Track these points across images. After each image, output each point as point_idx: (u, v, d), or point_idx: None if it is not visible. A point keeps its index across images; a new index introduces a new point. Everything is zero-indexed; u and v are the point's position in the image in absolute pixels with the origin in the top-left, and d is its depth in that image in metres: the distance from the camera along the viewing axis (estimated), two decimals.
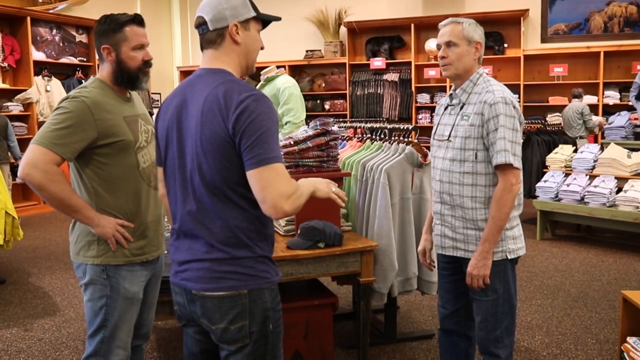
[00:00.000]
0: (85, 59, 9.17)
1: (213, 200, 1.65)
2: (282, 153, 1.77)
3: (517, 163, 2.18)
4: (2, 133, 6.56)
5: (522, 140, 2.24)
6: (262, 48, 1.80)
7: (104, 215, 2.09)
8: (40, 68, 8.44)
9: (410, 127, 3.15)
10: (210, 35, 1.70)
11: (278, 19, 1.81)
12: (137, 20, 2.12)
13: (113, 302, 2.11)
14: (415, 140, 3.19)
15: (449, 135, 2.30)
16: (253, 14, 1.72)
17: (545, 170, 6.49)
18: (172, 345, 3.56)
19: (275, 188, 1.55)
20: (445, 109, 2.40)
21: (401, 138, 3.26)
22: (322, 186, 1.82)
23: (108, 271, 2.11)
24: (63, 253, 5.87)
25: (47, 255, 5.79)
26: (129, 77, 2.12)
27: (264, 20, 1.79)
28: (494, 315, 2.28)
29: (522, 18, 8.79)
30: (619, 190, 5.68)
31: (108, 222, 2.07)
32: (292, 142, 2.88)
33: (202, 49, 1.75)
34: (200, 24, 1.71)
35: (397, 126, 3.32)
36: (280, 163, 1.58)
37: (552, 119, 8.50)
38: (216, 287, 1.65)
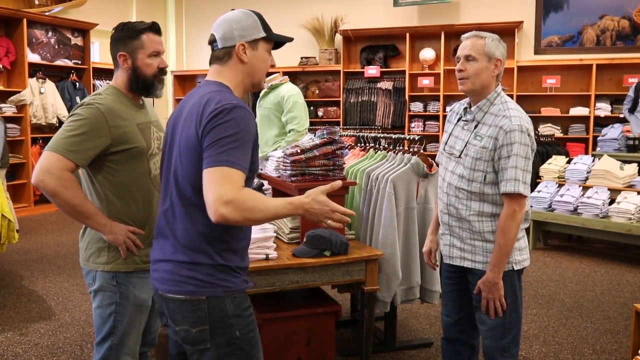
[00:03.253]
0: (80, 62, 9.09)
1: (182, 204, 1.69)
2: (252, 165, 1.67)
3: (526, 192, 2.18)
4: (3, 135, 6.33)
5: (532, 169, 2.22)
6: (272, 66, 1.83)
7: (115, 222, 2.09)
8: (35, 70, 8.36)
9: (417, 137, 3.17)
10: (219, 53, 1.76)
11: (290, 39, 1.82)
12: (154, 28, 2.15)
13: (122, 309, 2.11)
14: (421, 150, 3.20)
15: (461, 153, 2.29)
16: (262, 34, 1.76)
17: (538, 180, 6.54)
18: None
19: (214, 190, 1.51)
20: (458, 120, 2.39)
21: (406, 148, 3.28)
22: (316, 212, 1.63)
23: (118, 278, 2.11)
24: (55, 256, 5.82)
25: (40, 258, 5.73)
26: (145, 84, 2.14)
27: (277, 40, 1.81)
28: (502, 325, 2.30)
29: (516, 30, 8.88)
30: (612, 201, 5.75)
31: (119, 229, 2.07)
32: (298, 150, 2.89)
33: (209, 63, 1.80)
34: (212, 42, 1.78)
35: (402, 136, 3.34)
36: (233, 169, 1.53)
37: (545, 129, 8.57)
38: (178, 290, 1.68)
